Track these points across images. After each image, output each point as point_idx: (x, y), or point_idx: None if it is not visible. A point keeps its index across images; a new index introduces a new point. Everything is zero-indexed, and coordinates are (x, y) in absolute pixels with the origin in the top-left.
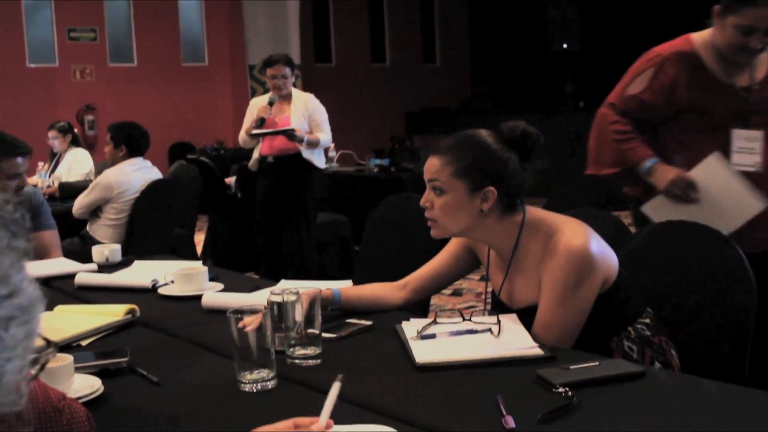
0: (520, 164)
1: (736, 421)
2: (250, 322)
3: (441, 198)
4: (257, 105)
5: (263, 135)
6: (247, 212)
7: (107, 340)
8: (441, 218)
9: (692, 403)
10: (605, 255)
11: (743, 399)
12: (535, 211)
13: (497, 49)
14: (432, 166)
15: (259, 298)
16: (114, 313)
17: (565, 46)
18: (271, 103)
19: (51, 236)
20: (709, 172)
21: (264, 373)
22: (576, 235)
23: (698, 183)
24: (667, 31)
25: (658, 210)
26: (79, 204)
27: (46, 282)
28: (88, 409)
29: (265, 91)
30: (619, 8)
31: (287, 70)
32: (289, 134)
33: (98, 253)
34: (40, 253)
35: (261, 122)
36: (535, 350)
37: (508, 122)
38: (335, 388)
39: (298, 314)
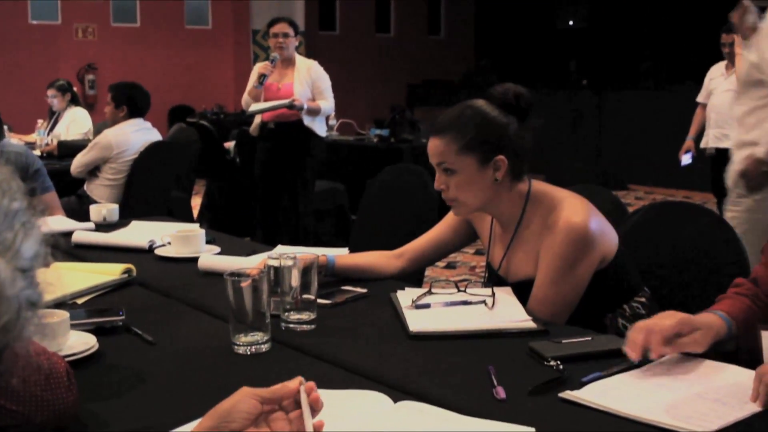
0: (519, 126)
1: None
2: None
3: (453, 178)
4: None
5: (261, 112)
6: (245, 177)
7: (103, 298)
8: (459, 197)
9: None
10: (605, 233)
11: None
12: (539, 185)
13: (503, 24)
14: (435, 148)
15: (256, 262)
16: (111, 272)
17: (571, 23)
18: (272, 61)
19: (50, 198)
20: None
21: (258, 336)
22: (577, 211)
23: None
24: (675, 16)
25: None
26: (78, 163)
27: None
28: (69, 365)
29: (267, 57)
30: None
31: (290, 29)
32: (289, 106)
33: (96, 212)
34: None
35: (263, 79)
36: (528, 323)
37: (496, 87)
38: (304, 397)
39: (295, 279)
